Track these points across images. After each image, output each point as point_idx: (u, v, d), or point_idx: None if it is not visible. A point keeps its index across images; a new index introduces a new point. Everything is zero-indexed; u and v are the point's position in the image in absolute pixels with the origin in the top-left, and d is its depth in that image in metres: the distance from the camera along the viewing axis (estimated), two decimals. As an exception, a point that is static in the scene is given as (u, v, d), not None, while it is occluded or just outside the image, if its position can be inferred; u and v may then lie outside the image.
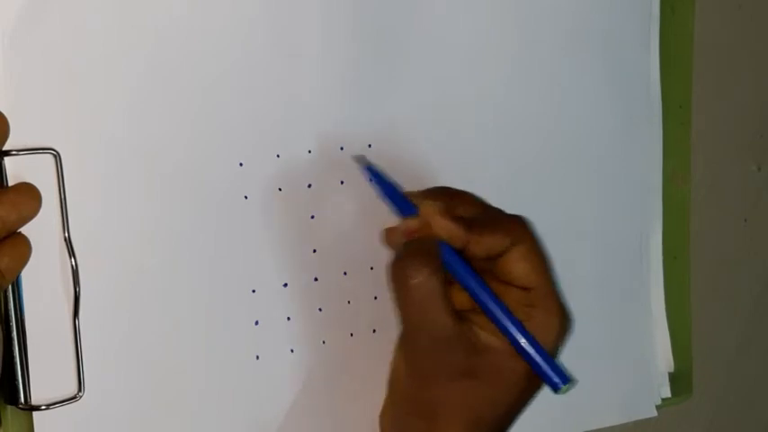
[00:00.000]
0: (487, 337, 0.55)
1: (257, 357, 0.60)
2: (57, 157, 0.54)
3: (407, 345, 0.56)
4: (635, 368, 0.76)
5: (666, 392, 0.78)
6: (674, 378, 0.78)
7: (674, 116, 0.77)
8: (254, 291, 0.60)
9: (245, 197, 0.60)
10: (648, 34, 0.75)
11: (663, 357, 0.78)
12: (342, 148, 0.63)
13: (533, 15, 0.70)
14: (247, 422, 0.60)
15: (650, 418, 0.76)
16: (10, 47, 0.53)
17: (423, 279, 0.53)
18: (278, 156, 0.61)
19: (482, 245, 0.55)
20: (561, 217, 0.72)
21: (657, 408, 0.77)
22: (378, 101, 0.64)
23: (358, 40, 0.63)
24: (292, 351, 0.61)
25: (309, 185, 0.62)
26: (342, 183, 0.63)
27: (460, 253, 0.55)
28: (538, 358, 0.55)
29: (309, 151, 0.62)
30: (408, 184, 0.64)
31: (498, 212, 0.58)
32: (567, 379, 0.55)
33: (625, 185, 0.75)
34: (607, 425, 0.74)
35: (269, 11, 0.60)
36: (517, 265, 0.55)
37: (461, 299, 0.56)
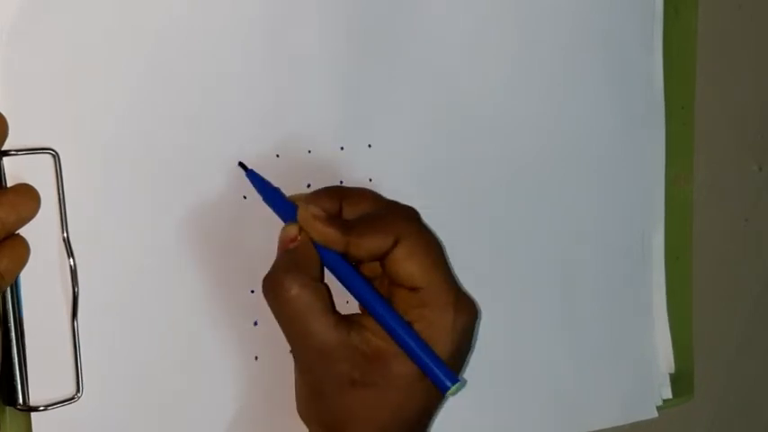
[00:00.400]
0: (378, 342, 0.54)
1: (256, 358, 0.60)
2: (56, 157, 0.54)
3: (296, 359, 0.55)
4: (636, 369, 0.76)
5: (667, 393, 0.78)
6: (675, 379, 0.78)
7: (676, 117, 0.77)
8: (252, 291, 0.60)
9: (244, 197, 0.60)
10: (651, 35, 0.75)
11: (664, 358, 0.78)
12: (342, 149, 0.63)
13: (534, 15, 0.70)
14: (246, 422, 0.60)
15: (651, 419, 0.76)
16: (10, 46, 0.53)
17: (296, 292, 0.53)
18: (277, 156, 0.61)
19: (362, 247, 0.54)
20: (563, 217, 0.72)
21: (658, 409, 0.77)
22: (378, 101, 0.64)
23: (358, 40, 0.63)
24: (291, 352, 0.61)
25: (309, 185, 0.62)
26: (341, 183, 0.63)
27: (345, 257, 0.55)
28: (424, 360, 0.54)
29: (309, 151, 0.62)
30: (409, 184, 0.65)
31: (386, 210, 0.56)
32: (454, 380, 0.54)
33: (627, 186, 0.75)
34: (607, 426, 0.74)
35: (268, 11, 0.60)
36: (403, 265, 0.54)
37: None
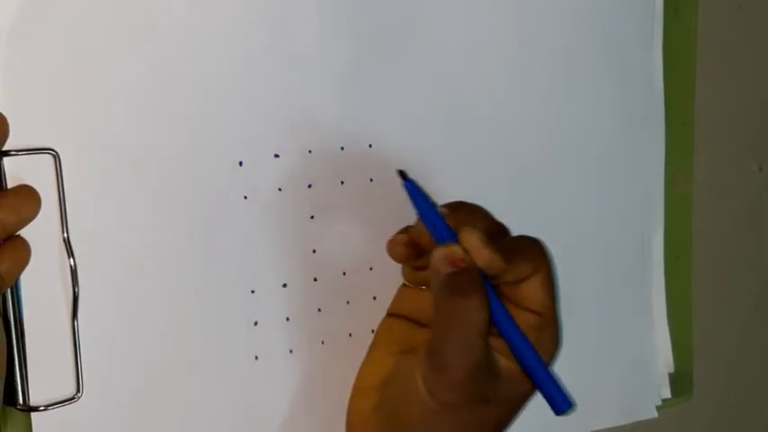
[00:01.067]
0: (505, 362, 0.56)
1: (256, 358, 0.60)
2: (56, 157, 0.54)
3: (443, 372, 0.55)
4: (635, 368, 0.76)
5: (667, 393, 0.78)
6: (674, 379, 0.78)
7: (676, 117, 0.77)
8: (253, 291, 0.60)
9: (245, 197, 0.60)
10: (651, 35, 0.75)
11: (663, 358, 0.78)
12: (342, 148, 0.63)
13: (534, 15, 0.70)
14: (246, 423, 0.60)
15: (650, 419, 0.76)
16: (10, 46, 0.53)
17: (480, 312, 0.54)
18: (278, 156, 0.61)
19: (512, 273, 0.55)
20: (563, 217, 0.72)
21: (658, 408, 0.77)
22: (378, 101, 0.64)
23: (358, 39, 0.63)
24: (291, 351, 0.61)
25: (309, 185, 0.62)
26: (342, 183, 0.63)
27: (487, 278, 0.55)
28: (549, 384, 0.57)
29: (310, 151, 0.62)
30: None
31: (519, 237, 0.58)
32: (570, 404, 0.57)
33: (627, 186, 0.75)
34: (607, 425, 0.74)
35: (269, 10, 0.60)
36: (536, 292, 0.56)
37: None
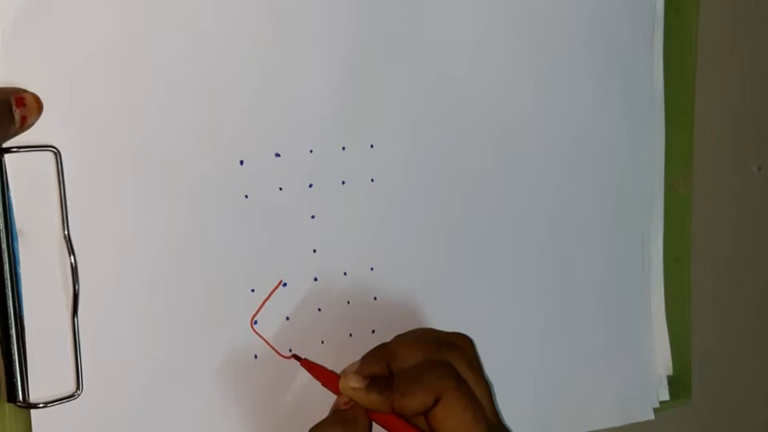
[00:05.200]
0: None
1: (255, 357, 0.60)
2: (57, 154, 0.54)
3: None
4: (634, 370, 0.76)
5: (665, 395, 0.78)
6: (672, 381, 0.78)
7: (676, 120, 0.77)
8: (253, 290, 0.60)
9: (246, 196, 0.60)
10: (652, 38, 0.75)
11: (662, 360, 0.78)
12: (343, 149, 0.63)
13: (536, 19, 0.70)
14: (246, 421, 0.60)
15: (648, 421, 0.76)
16: (10, 46, 0.53)
17: None
18: (279, 155, 0.61)
19: (406, 407, 0.58)
20: (562, 220, 0.72)
21: (656, 411, 0.77)
22: (380, 101, 0.64)
23: (360, 39, 0.63)
24: (291, 351, 0.61)
25: (310, 185, 0.62)
26: (343, 183, 0.63)
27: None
28: None
29: (311, 151, 0.62)
30: (410, 184, 0.65)
31: (426, 363, 0.59)
32: None
33: (627, 189, 0.75)
34: (604, 426, 0.74)
35: (270, 9, 0.60)
36: (444, 423, 0.58)
37: None
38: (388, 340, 0.61)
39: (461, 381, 0.59)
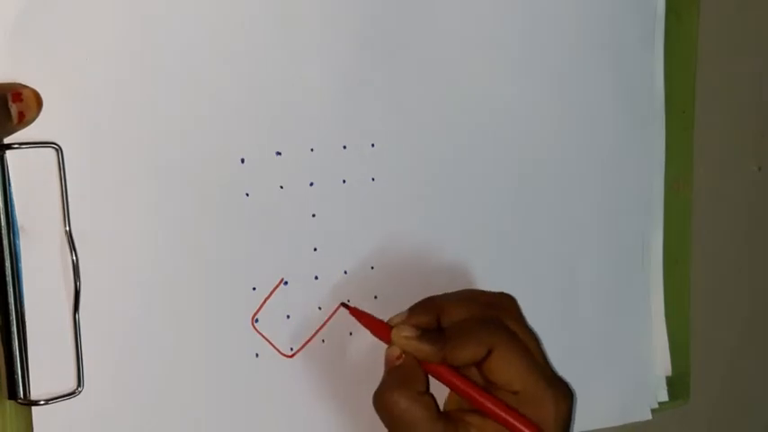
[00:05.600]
0: None
1: (257, 355, 0.60)
2: (58, 151, 0.54)
3: None
4: (632, 371, 0.76)
5: (663, 396, 0.78)
6: (671, 382, 0.78)
7: (677, 121, 0.77)
8: (254, 288, 0.60)
9: (247, 194, 0.60)
10: (653, 40, 0.75)
11: (661, 361, 0.78)
12: (344, 147, 0.63)
13: (537, 19, 0.70)
14: (246, 420, 0.60)
15: (647, 422, 0.76)
16: (11, 42, 0.53)
17: (406, 406, 0.57)
18: (280, 153, 0.61)
19: (458, 358, 0.59)
20: (563, 220, 0.72)
21: (654, 412, 0.77)
22: (381, 100, 0.64)
23: (361, 37, 0.63)
24: (292, 349, 0.61)
25: (311, 184, 0.62)
26: (344, 182, 0.63)
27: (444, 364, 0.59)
28: None
29: (312, 149, 0.62)
30: (411, 183, 0.65)
31: (479, 316, 0.60)
32: None
33: (627, 190, 0.75)
34: (602, 426, 0.74)
35: (271, 8, 0.60)
36: (499, 372, 0.59)
37: (456, 397, 0.60)
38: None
39: (512, 333, 0.60)
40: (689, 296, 0.79)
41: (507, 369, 0.59)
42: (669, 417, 0.79)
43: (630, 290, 0.76)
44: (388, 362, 0.59)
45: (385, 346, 0.60)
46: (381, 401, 0.58)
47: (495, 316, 0.60)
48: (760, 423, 0.91)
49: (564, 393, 0.60)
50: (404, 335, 0.59)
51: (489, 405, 0.59)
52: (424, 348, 0.58)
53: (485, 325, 0.60)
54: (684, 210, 0.78)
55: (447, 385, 0.60)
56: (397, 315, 0.60)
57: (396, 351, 0.59)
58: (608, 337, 0.75)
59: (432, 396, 0.59)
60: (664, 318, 0.77)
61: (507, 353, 0.59)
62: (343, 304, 0.62)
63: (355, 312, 0.61)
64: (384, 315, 0.62)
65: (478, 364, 0.59)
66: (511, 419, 0.58)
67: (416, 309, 0.60)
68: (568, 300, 0.73)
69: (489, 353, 0.59)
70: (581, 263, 0.73)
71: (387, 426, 0.58)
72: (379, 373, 0.60)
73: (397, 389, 0.57)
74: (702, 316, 0.82)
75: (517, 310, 0.62)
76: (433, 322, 0.60)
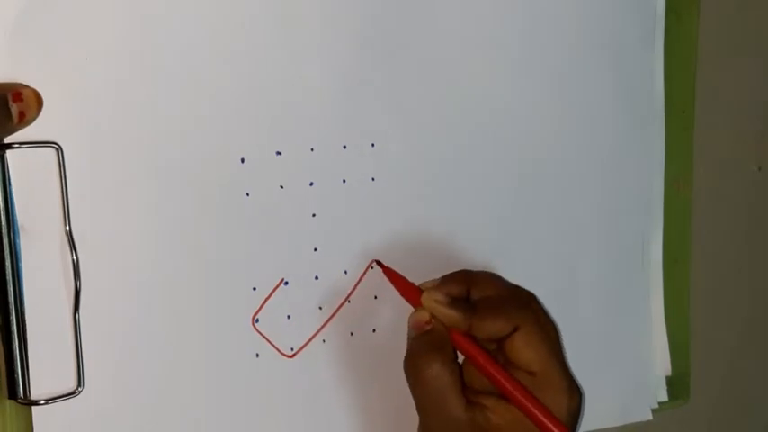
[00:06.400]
0: (497, 420, 0.58)
1: (257, 355, 0.60)
2: (59, 150, 0.54)
3: (425, 428, 0.59)
4: (632, 371, 0.76)
5: (663, 396, 0.78)
6: (671, 381, 0.78)
7: (676, 121, 0.77)
8: (254, 288, 0.60)
9: (247, 194, 0.60)
10: (653, 41, 0.75)
11: (661, 361, 0.78)
12: (344, 147, 0.63)
13: (538, 20, 0.70)
14: (246, 420, 0.60)
15: (647, 422, 0.76)
16: (11, 42, 0.53)
17: (434, 372, 0.57)
18: (280, 153, 0.61)
19: (484, 330, 0.59)
20: (563, 219, 0.72)
21: (654, 411, 0.77)
22: (381, 100, 0.64)
23: (361, 37, 0.63)
24: (292, 349, 0.61)
25: (311, 183, 0.62)
26: (344, 181, 0.63)
27: (470, 336, 0.59)
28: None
29: (312, 149, 0.62)
30: (411, 183, 0.65)
31: (508, 295, 0.61)
32: None
33: (627, 190, 0.75)
34: (602, 426, 0.74)
35: (271, 8, 0.60)
36: (521, 351, 0.59)
37: (472, 377, 0.60)
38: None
39: (538, 315, 0.60)
40: (689, 296, 0.79)
41: (529, 349, 0.59)
42: (669, 417, 0.79)
43: (630, 290, 0.76)
44: (416, 326, 0.59)
45: (407, 311, 0.60)
46: (413, 365, 0.58)
47: (525, 297, 0.61)
48: (760, 423, 0.91)
49: (578, 390, 0.60)
50: (435, 298, 0.59)
51: (505, 382, 0.58)
52: (453, 315, 0.58)
53: (514, 303, 0.60)
54: (684, 210, 0.78)
55: (469, 359, 0.60)
56: (430, 281, 0.61)
57: (424, 315, 0.59)
58: (608, 337, 0.75)
59: (459, 366, 0.59)
60: (664, 318, 0.77)
61: (532, 334, 0.59)
62: (377, 261, 0.62)
63: (388, 271, 0.61)
64: (384, 315, 0.63)
65: (501, 341, 0.59)
66: (529, 405, 0.58)
67: (449, 278, 0.61)
68: (568, 300, 0.73)
69: (514, 330, 0.59)
70: (581, 263, 0.73)
71: (414, 391, 0.58)
72: (379, 372, 0.60)
73: (429, 353, 0.58)
74: (702, 316, 0.82)
75: (539, 303, 0.62)
76: (464, 292, 0.60)
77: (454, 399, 0.57)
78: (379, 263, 0.62)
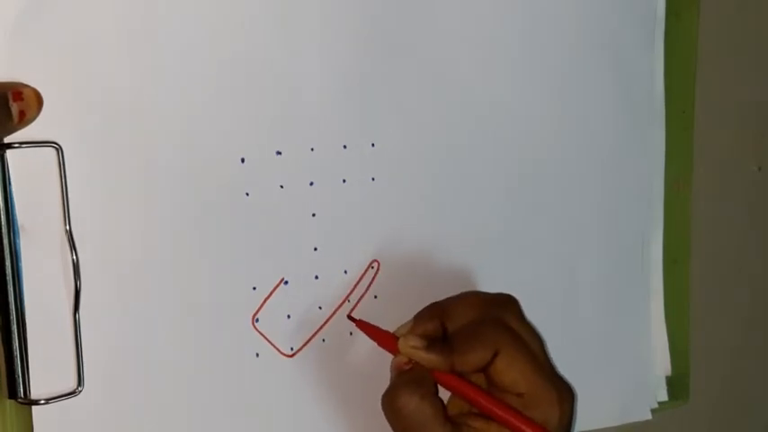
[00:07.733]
0: None
1: (257, 355, 0.60)
2: (59, 150, 0.54)
3: None
4: (632, 371, 0.76)
5: (663, 396, 0.78)
6: (671, 382, 0.78)
7: (676, 121, 0.77)
8: (254, 288, 0.60)
9: (247, 194, 0.60)
10: (653, 40, 0.75)
11: (660, 361, 0.78)
12: (345, 147, 0.63)
13: (538, 20, 0.70)
14: (246, 419, 0.60)
15: (647, 422, 0.76)
16: (11, 42, 0.53)
17: (416, 404, 0.57)
18: (280, 153, 0.61)
19: (467, 364, 0.59)
20: (562, 220, 0.72)
21: (654, 412, 0.77)
22: (381, 99, 0.64)
23: (361, 37, 0.63)
24: (292, 349, 0.61)
25: (311, 183, 0.62)
26: (344, 181, 0.63)
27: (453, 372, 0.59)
28: None
29: (312, 149, 0.62)
30: (411, 184, 0.65)
31: (481, 317, 0.60)
32: None
33: (626, 190, 0.75)
34: (601, 426, 0.75)
35: (271, 8, 0.60)
36: (505, 374, 0.59)
37: (458, 402, 0.60)
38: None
39: (516, 334, 0.60)
40: (689, 296, 0.79)
41: (512, 370, 0.59)
42: (669, 417, 0.79)
43: (630, 290, 0.76)
44: (396, 369, 0.59)
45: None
46: (391, 402, 0.58)
47: (498, 316, 0.60)
48: (760, 423, 0.91)
49: (567, 394, 0.60)
50: (411, 344, 0.59)
51: (496, 409, 0.59)
52: (432, 357, 0.58)
53: (489, 327, 0.60)
54: (684, 210, 0.78)
55: (453, 391, 0.60)
56: (403, 325, 0.61)
57: (404, 358, 0.59)
58: (608, 337, 0.75)
59: (440, 399, 0.59)
60: (663, 318, 0.77)
61: (512, 354, 0.59)
62: (349, 317, 0.62)
63: (361, 325, 0.61)
64: (384, 315, 0.63)
65: (485, 367, 0.59)
66: (518, 423, 0.58)
67: (421, 316, 0.61)
68: (568, 300, 0.73)
69: (495, 355, 0.59)
70: (581, 263, 0.73)
71: (395, 428, 0.58)
72: (379, 372, 0.60)
73: (407, 388, 0.57)
74: (702, 316, 0.82)
75: (519, 310, 0.62)
76: (439, 328, 0.60)
77: (438, 428, 0.57)
78: (351, 317, 0.62)
